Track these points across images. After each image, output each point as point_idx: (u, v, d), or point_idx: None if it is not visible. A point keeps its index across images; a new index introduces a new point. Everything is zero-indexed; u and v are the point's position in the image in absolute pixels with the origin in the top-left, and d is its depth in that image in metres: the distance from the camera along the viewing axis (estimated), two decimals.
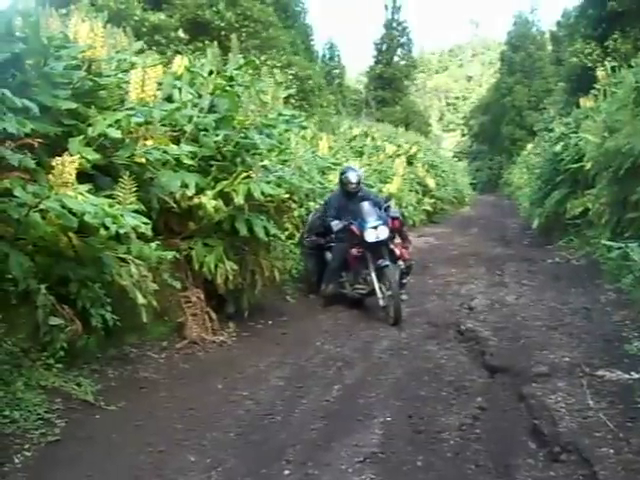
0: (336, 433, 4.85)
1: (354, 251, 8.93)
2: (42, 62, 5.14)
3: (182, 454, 4.50)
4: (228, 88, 7.37)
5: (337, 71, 44.53)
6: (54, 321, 5.09)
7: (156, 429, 4.90)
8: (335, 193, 9.86)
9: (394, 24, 51.60)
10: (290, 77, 19.12)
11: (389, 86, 49.02)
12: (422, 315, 8.59)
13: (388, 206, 9.33)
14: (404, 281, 9.11)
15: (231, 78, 7.55)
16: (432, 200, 24.29)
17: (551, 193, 15.43)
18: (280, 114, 8.34)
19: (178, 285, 6.60)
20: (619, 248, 7.28)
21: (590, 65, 20.12)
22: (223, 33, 17.79)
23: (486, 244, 16.66)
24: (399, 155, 22.47)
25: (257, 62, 9.46)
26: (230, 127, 7.24)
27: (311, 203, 10.26)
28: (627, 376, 5.59)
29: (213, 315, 7.22)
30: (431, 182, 24.46)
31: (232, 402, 5.57)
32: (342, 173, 9.66)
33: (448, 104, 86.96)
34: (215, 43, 8.72)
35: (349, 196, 9.35)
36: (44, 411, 4.73)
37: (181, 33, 17.42)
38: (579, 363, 6.03)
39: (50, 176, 4.71)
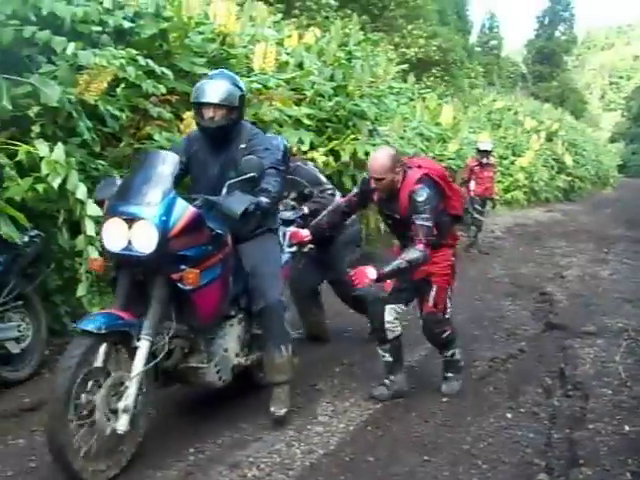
0: None
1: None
2: (183, 36, 6.35)
3: None
4: (344, 62, 8.41)
5: (495, 42, 44.48)
6: None
7: None
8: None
9: None
10: (434, 48, 19.66)
11: (547, 61, 48.32)
12: (511, 277, 9.21)
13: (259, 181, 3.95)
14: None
15: (349, 52, 8.59)
16: (569, 178, 24.27)
17: None
18: (390, 87, 9.32)
19: None
20: None
21: None
22: (371, 1, 18.54)
23: (609, 225, 16.85)
24: (538, 131, 22.66)
25: (374, 39, 10.38)
26: (344, 95, 8.27)
27: None
28: None
29: None
30: (568, 159, 24.27)
31: None
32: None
33: (611, 83, 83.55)
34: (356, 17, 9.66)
35: (213, 141, 4.25)
36: None
37: (331, 0, 17.87)
38: (629, 328, 6.72)
39: (182, 125, 5.99)
